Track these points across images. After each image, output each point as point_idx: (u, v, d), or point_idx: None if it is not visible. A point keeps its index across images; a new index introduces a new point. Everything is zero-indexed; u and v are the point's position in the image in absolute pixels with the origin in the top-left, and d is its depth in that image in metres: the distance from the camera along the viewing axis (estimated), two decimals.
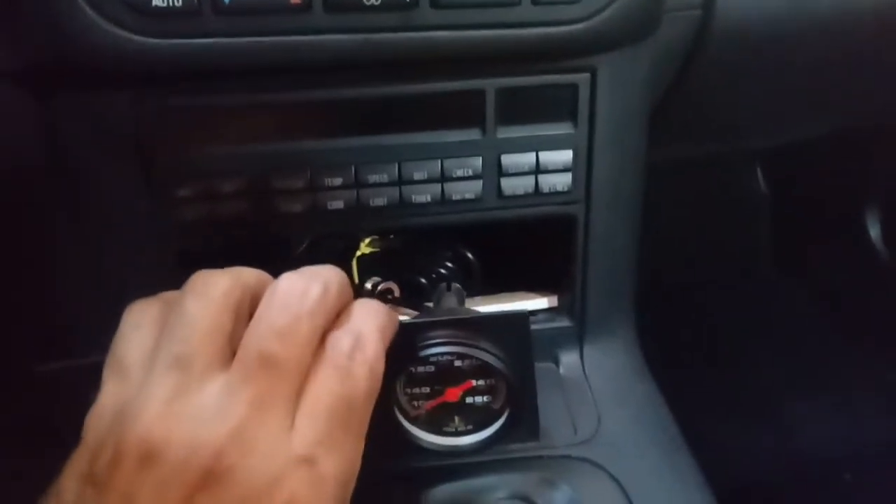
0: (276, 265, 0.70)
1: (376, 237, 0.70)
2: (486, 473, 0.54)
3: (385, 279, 0.66)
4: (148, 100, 0.51)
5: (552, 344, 0.66)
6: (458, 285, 0.59)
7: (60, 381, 0.44)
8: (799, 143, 0.98)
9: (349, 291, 0.40)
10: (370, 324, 0.39)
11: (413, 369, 0.50)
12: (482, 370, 0.50)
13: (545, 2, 0.50)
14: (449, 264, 0.69)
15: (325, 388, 0.36)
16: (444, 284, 0.58)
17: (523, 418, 0.52)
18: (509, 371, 0.49)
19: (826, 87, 0.75)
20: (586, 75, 0.57)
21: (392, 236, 0.71)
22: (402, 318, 0.47)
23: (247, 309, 0.37)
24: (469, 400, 0.51)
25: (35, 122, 0.50)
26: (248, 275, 0.39)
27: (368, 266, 0.69)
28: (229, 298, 0.36)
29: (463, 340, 0.48)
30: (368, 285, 0.67)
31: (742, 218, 1.20)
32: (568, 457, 0.58)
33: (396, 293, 0.66)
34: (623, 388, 0.65)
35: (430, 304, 0.62)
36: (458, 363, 0.49)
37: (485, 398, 0.51)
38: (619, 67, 0.57)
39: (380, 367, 0.38)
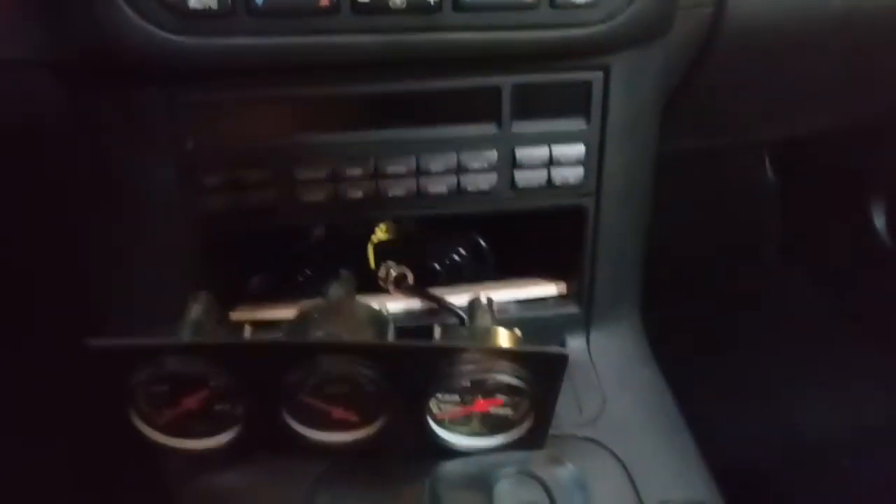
0: (295, 250, 0.73)
1: (392, 223, 0.72)
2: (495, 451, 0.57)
3: (399, 265, 0.69)
4: (180, 94, 0.53)
5: (560, 329, 0.68)
6: (491, 298, 0.61)
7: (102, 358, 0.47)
8: (807, 133, 0.99)
9: None
10: None
11: (450, 384, 0.53)
12: (513, 390, 0.53)
13: (563, 5, 0.52)
14: (462, 251, 0.72)
15: None
16: (478, 298, 0.61)
17: (538, 433, 0.55)
18: (539, 398, 0.53)
19: (834, 84, 0.76)
20: (599, 73, 0.59)
21: (407, 223, 0.73)
22: (451, 343, 0.51)
23: None
24: (493, 410, 0.55)
25: (71, 113, 0.53)
26: None
27: (383, 252, 0.71)
28: None
29: (504, 370, 0.51)
30: (383, 271, 0.69)
31: (749, 205, 1.21)
32: (574, 436, 0.61)
33: (410, 279, 0.68)
34: (627, 373, 0.68)
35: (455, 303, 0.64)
36: (491, 382, 0.53)
37: (507, 410, 0.55)
38: (632, 65, 0.59)
39: None
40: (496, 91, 0.58)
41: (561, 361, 0.52)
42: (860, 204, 1.08)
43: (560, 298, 0.69)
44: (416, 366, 0.51)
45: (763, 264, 1.22)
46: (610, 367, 0.67)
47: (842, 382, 1.08)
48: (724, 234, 1.20)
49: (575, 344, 0.68)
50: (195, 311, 0.54)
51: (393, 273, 0.68)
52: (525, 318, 0.67)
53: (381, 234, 0.72)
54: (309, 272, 0.73)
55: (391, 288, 0.68)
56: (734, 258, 1.21)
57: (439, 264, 0.71)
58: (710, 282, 1.20)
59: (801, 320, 1.16)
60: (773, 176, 1.18)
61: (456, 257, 0.71)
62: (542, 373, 0.52)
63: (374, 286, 0.69)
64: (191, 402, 0.51)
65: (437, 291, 0.67)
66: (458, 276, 0.72)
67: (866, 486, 0.97)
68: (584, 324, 0.68)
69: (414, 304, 0.66)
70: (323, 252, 0.72)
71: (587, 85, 0.59)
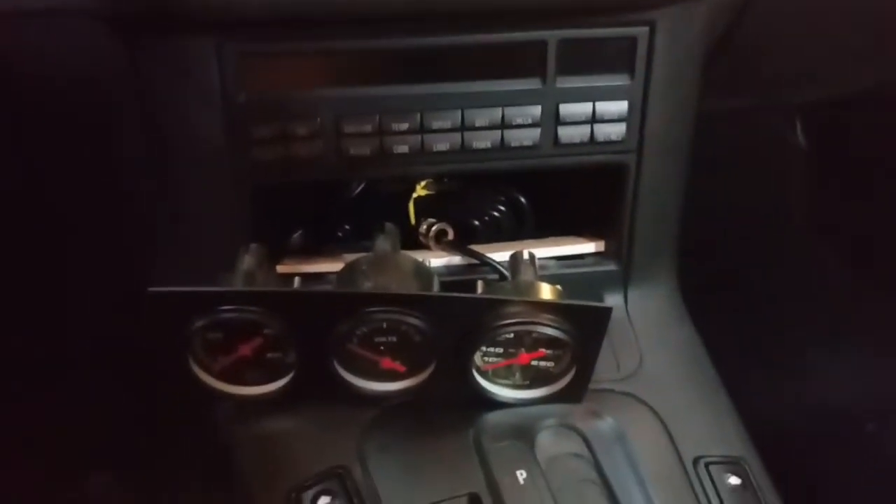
0: (336, 206, 0.74)
1: (432, 180, 0.73)
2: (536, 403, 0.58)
3: (440, 221, 0.69)
4: (231, 45, 0.53)
5: (598, 286, 0.69)
6: (533, 253, 0.62)
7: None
8: (840, 99, 0.98)
9: None
10: None
11: (495, 336, 0.54)
12: (556, 343, 0.54)
13: None
14: (502, 208, 0.72)
15: None
16: (520, 252, 0.61)
17: (578, 386, 0.56)
18: (581, 352, 0.54)
19: (874, 45, 0.76)
20: (645, 28, 0.59)
21: (447, 179, 0.73)
22: (496, 295, 0.52)
23: None
24: (534, 363, 0.56)
25: (125, 65, 0.53)
26: None
27: (424, 208, 0.72)
28: None
29: (548, 323, 0.52)
30: (423, 227, 0.70)
31: (778, 172, 1.20)
32: (612, 391, 0.62)
33: (450, 235, 0.69)
34: (664, 331, 0.68)
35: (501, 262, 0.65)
36: (534, 334, 0.54)
37: (549, 364, 0.56)
38: (677, 21, 0.59)
39: None
40: (542, 45, 0.58)
41: (604, 315, 0.53)
42: (892, 172, 1.07)
43: (598, 256, 0.70)
44: (463, 317, 0.52)
45: (790, 232, 1.22)
46: (647, 325, 0.68)
47: (868, 349, 1.08)
48: (752, 200, 1.20)
49: (612, 301, 0.68)
50: (247, 262, 0.55)
51: (434, 229, 0.68)
52: (563, 275, 0.67)
53: (421, 190, 0.72)
54: (348, 228, 0.74)
55: (432, 244, 0.68)
56: (761, 224, 1.21)
57: (478, 221, 0.72)
58: (736, 248, 1.20)
59: (828, 288, 1.16)
60: (804, 141, 1.17)
61: (495, 214, 0.72)
62: (585, 326, 0.53)
63: (413, 242, 0.70)
64: (245, 349, 0.53)
65: (476, 248, 0.67)
66: (497, 233, 0.73)
67: (889, 450, 0.97)
68: (622, 281, 0.69)
69: (454, 259, 0.67)
70: (362, 208, 0.73)
71: (632, 41, 0.59)
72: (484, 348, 0.55)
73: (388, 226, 0.62)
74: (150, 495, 0.70)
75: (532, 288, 0.57)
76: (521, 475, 0.51)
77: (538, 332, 0.53)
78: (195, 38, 0.53)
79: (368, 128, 0.58)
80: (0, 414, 0.72)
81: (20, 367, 0.74)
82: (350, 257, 0.60)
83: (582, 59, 0.59)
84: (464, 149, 0.60)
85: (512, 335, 0.54)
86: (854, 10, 0.69)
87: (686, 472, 0.56)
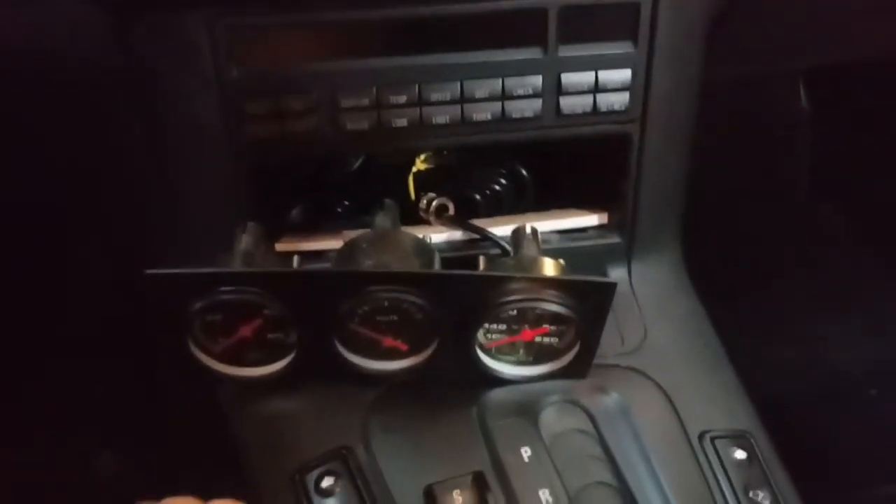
0: (334, 181, 0.73)
1: (431, 153, 0.72)
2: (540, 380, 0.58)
3: (440, 195, 0.68)
4: (221, 19, 0.52)
5: (601, 260, 0.68)
6: (535, 227, 0.61)
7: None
8: (845, 64, 0.97)
9: None
10: None
11: (498, 313, 0.53)
12: (559, 319, 0.53)
13: None
14: (503, 181, 0.71)
15: None
16: (523, 227, 0.60)
17: (582, 362, 0.56)
18: (585, 327, 0.53)
19: (881, 9, 0.74)
20: None
21: (446, 153, 0.72)
22: (499, 272, 0.51)
23: None
24: (538, 339, 0.55)
25: (114, 43, 0.52)
26: None
27: (424, 182, 0.71)
28: None
29: (551, 299, 0.51)
30: (423, 201, 0.69)
31: (781, 135, 1.19)
32: (616, 366, 0.61)
33: (451, 209, 0.68)
34: (668, 303, 0.68)
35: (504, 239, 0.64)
36: (538, 310, 0.53)
37: (553, 339, 0.55)
38: None
39: None
40: (542, 13, 0.56)
41: (608, 290, 0.52)
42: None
43: (601, 228, 0.68)
44: (465, 295, 0.52)
45: (793, 197, 1.21)
46: (651, 298, 0.67)
47: (870, 316, 1.08)
48: (754, 165, 1.19)
49: (616, 274, 0.68)
50: (245, 242, 0.54)
51: (434, 204, 0.67)
52: (566, 249, 0.66)
53: (420, 164, 0.71)
54: (347, 203, 0.73)
55: (432, 219, 0.67)
56: (763, 189, 1.20)
57: (479, 195, 0.71)
58: (739, 213, 1.19)
59: (831, 254, 1.15)
60: (807, 105, 1.15)
61: (496, 187, 0.71)
62: (589, 301, 0.52)
63: (413, 217, 0.68)
64: (245, 330, 0.52)
65: (477, 223, 0.66)
66: (498, 207, 0.71)
67: (892, 414, 0.98)
68: (626, 254, 0.68)
69: (455, 235, 0.66)
70: (362, 182, 0.72)
71: (635, 7, 0.57)
72: (487, 325, 0.54)
73: (388, 202, 0.61)
74: (154, 477, 0.70)
75: (535, 263, 0.56)
76: (526, 452, 0.51)
77: (542, 309, 0.52)
78: (184, 12, 0.51)
79: (365, 101, 0.56)
80: (6, 396, 0.71)
81: (26, 349, 0.74)
82: (350, 234, 0.59)
83: (584, 26, 0.57)
84: (464, 121, 0.59)
85: (515, 312, 0.53)
86: None
87: (692, 447, 0.56)
